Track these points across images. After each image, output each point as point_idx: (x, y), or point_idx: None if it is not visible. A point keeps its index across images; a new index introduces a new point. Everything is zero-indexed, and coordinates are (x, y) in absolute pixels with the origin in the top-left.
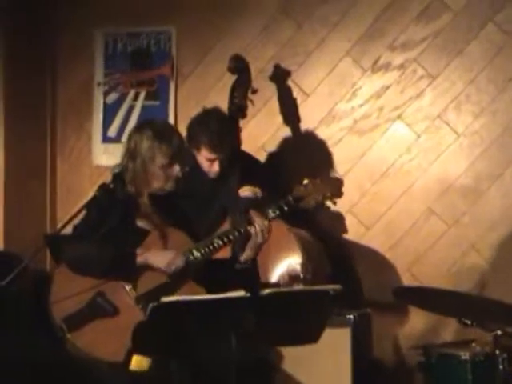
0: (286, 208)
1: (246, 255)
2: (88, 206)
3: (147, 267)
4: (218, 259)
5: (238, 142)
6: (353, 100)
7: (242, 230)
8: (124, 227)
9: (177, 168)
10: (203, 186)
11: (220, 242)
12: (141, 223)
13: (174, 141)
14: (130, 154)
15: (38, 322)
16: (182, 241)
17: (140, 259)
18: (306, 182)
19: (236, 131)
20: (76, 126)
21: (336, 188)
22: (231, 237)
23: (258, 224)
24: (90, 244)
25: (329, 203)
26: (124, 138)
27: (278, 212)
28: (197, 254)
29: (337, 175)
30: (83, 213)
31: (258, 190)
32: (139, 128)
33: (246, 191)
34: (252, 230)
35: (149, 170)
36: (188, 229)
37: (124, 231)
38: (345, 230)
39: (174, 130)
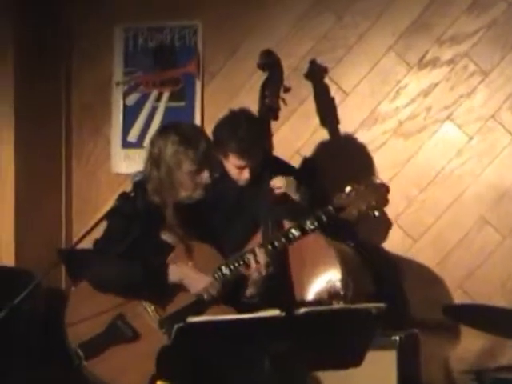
0: (325, 219)
1: (250, 292)
2: (108, 217)
3: (173, 287)
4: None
5: (270, 146)
6: (397, 99)
7: (276, 244)
8: (147, 240)
9: (206, 174)
10: (231, 196)
11: (251, 258)
12: (165, 236)
13: (201, 145)
14: (154, 160)
15: (51, 347)
16: (209, 256)
17: (173, 277)
18: (348, 189)
19: (267, 135)
20: (93, 131)
21: (381, 196)
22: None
23: (258, 258)
24: (118, 259)
25: (372, 213)
26: (146, 143)
27: (316, 224)
28: (226, 270)
29: (381, 181)
30: (104, 225)
31: (292, 180)
32: (163, 132)
33: (277, 182)
34: (251, 264)
35: (175, 177)
36: (215, 242)
37: (147, 245)
38: (389, 243)
39: (201, 133)
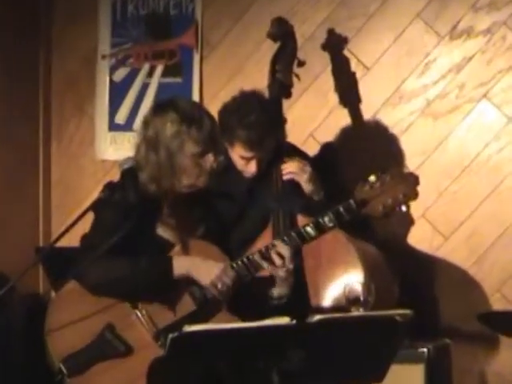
0: (346, 215)
1: (278, 292)
2: (97, 208)
3: (172, 296)
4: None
5: (283, 134)
6: (426, 75)
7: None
8: (141, 236)
9: (211, 158)
10: (237, 187)
11: (261, 260)
12: (162, 232)
13: (205, 123)
14: (150, 144)
15: (30, 362)
16: (213, 256)
17: (179, 270)
18: (372, 179)
19: (281, 122)
20: (75, 109)
21: (410, 187)
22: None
23: (281, 252)
24: (119, 256)
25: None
26: (135, 125)
27: (335, 221)
28: (238, 268)
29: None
30: (92, 218)
31: (306, 168)
32: (159, 110)
33: (289, 167)
34: (274, 259)
35: (176, 162)
36: (220, 240)
37: (141, 241)
38: (416, 240)
39: (203, 109)
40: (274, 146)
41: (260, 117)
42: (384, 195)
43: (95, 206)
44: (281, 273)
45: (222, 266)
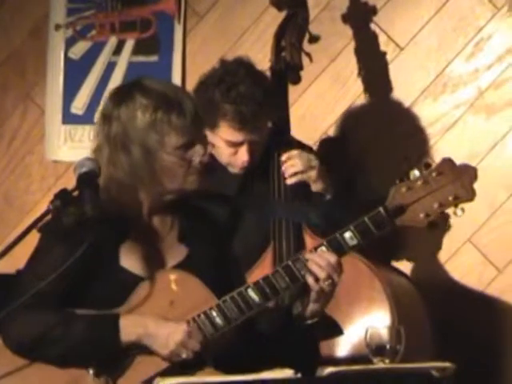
0: (374, 229)
1: (311, 309)
2: (41, 231)
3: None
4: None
5: (287, 119)
6: (477, 57)
7: (281, 281)
8: (96, 270)
9: (199, 150)
10: (223, 193)
11: (257, 298)
12: (128, 262)
13: (186, 106)
14: (117, 143)
15: None
16: (196, 296)
17: (127, 336)
18: (415, 175)
19: (282, 100)
20: (21, 96)
21: (464, 184)
22: (281, 286)
23: (315, 266)
24: (50, 309)
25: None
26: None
27: (359, 238)
28: (218, 318)
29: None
30: (36, 236)
31: (314, 161)
32: (122, 96)
33: (291, 160)
34: (307, 277)
35: (156, 161)
36: (214, 267)
37: (98, 277)
38: (460, 272)
39: (180, 89)
40: (270, 131)
41: (250, 88)
42: (428, 198)
43: (41, 228)
44: (315, 287)
45: (185, 328)
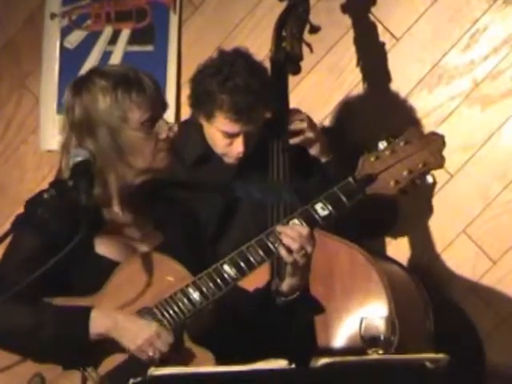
0: (345, 199)
1: (289, 282)
2: (23, 223)
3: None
4: (241, 294)
5: (286, 108)
6: (472, 48)
7: (255, 255)
8: (74, 258)
9: (164, 125)
10: (218, 182)
11: (232, 273)
12: (103, 249)
13: (145, 82)
14: (82, 128)
15: None
16: (172, 275)
17: (97, 329)
18: (382, 145)
19: (282, 91)
20: (15, 85)
21: (433, 151)
22: (256, 259)
23: (287, 238)
24: (24, 300)
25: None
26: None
27: (330, 208)
28: (194, 294)
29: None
30: (13, 236)
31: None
32: (81, 83)
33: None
34: (280, 249)
35: (122, 140)
36: (190, 253)
37: (76, 265)
38: (455, 263)
39: (136, 69)
40: (268, 120)
41: (248, 79)
42: (397, 166)
43: (21, 221)
44: (288, 258)
45: (154, 327)
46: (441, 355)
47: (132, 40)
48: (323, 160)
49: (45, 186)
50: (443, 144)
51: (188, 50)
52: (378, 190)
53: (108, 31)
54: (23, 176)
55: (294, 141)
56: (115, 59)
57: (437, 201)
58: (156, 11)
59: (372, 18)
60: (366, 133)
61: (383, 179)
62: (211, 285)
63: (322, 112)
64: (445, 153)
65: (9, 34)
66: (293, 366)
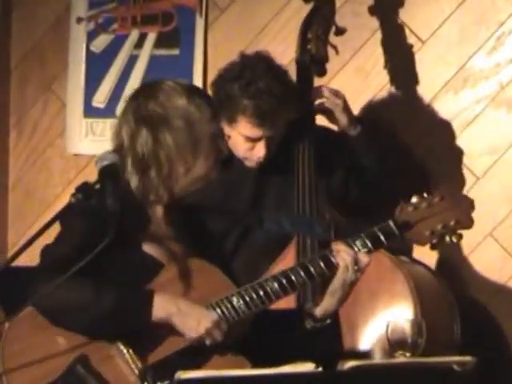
0: (384, 240)
1: (325, 305)
2: (64, 216)
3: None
4: (273, 313)
5: (311, 110)
6: (498, 51)
7: (317, 266)
8: (121, 253)
9: (223, 142)
10: (242, 187)
11: (276, 286)
12: (150, 248)
13: (210, 98)
14: (155, 119)
15: None
16: (217, 283)
17: (159, 313)
18: (415, 200)
19: (307, 93)
20: (42, 89)
21: (464, 212)
22: (296, 278)
23: (345, 253)
24: (79, 277)
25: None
26: (119, 109)
27: (369, 245)
28: (239, 303)
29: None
30: (57, 229)
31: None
32: (151, 89)
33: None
34: (336, 261)
35: (198, 136)
36: (222, 262)
37: (121, 260)
38: (482, 265)
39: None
40: (292, 122)
41: (270, 83)
42: (432, 219)
43: (61, 215)
44: (348, 277)
45: (215, 316)
46: (468, 358)
47: (158, 44)
48: (352, 133)
49: (71, 189)
50: (473, 206)
51: (214, 54)
52: (413, 237)
53: (134, 35)
54: (49, 180)
55: (317, 102)
56: (141, 63)
57: None
58: (182, 15)
59: (398, 20)
60: (393, 135)
61: (419, 228)
62: (255, 297)
63: None
64: (471, 155)
65: (35, 38)
66: (320, 369)
